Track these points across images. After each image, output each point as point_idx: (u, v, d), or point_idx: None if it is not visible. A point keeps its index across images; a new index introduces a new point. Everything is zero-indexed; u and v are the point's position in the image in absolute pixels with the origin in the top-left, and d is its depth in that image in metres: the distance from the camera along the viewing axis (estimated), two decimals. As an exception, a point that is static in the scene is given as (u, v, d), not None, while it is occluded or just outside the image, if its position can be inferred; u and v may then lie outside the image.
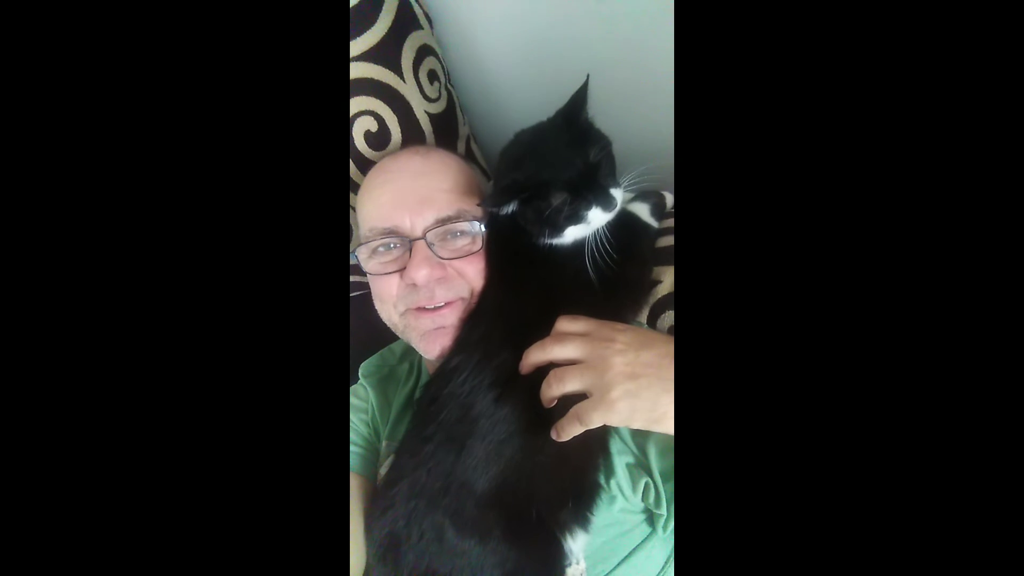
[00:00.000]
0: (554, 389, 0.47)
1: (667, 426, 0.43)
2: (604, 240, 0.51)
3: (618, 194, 0.51)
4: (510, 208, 0.52)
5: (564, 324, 0.50)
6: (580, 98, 0.52)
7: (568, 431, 0.46)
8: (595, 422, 0.45)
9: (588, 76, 0.52)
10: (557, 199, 0.49)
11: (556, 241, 0.52)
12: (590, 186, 0.50)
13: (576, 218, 0.50)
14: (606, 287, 0.52)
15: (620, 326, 0.48)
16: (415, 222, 0.55)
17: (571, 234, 0.52)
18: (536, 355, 0.49)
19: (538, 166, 0.51)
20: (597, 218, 0.50)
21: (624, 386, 0.43)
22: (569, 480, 0.52)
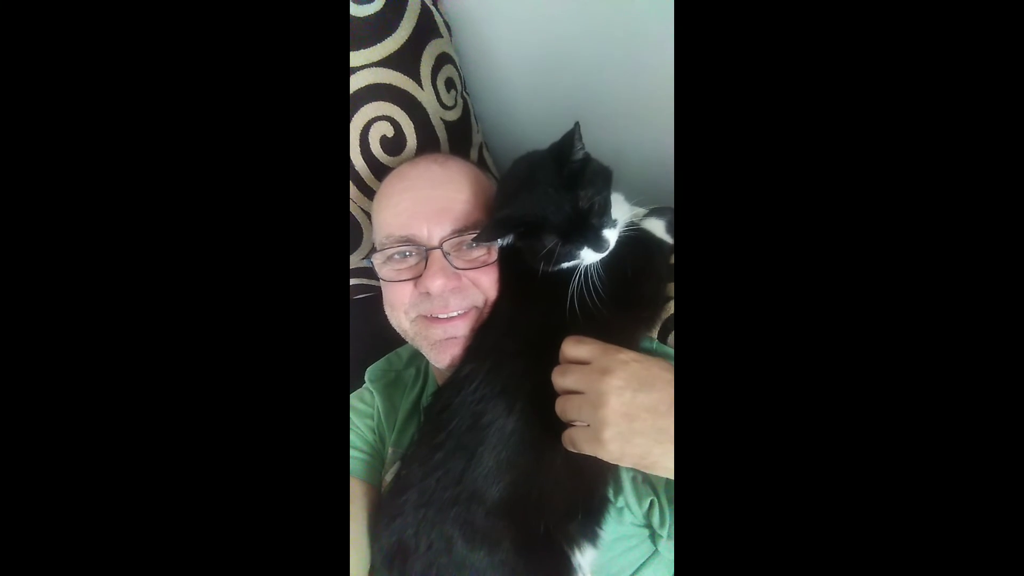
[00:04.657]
0: (561, 417, 0.47)
1: (658, 471, 0.43)
2: (596, 274, 0.51)
3: (612, 234, 0.51)
4: (507, 240, 0.53)
5: (569, 348, 0.48)
6: (568, 141, 0.51)
7: (567, 446, 0.47)
8: (586, 451, 0.45)
9: (577, 123, 0.51)
10: (549, 241, 0.50)
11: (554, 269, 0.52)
12: (580, 229, 0.49)
13: (569, 257, 0.51)
14: (620, 303, 0.52)
15: (624, 355, 0.45)
16: (432, 231, 0.55)
17: (566, 266, 0.52)
18: (553, 380, 0.49)
19: (530, 205, 0.51)
20: (590, 257, 0.51)
21: (617, 427, 0.42)
22: (579, 492, 0.52)
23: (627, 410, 0.43)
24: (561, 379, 0.47)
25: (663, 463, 0.42)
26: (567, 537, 0.51)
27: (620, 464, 0.44)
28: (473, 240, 0.55)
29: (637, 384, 0.43)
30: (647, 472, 0.44)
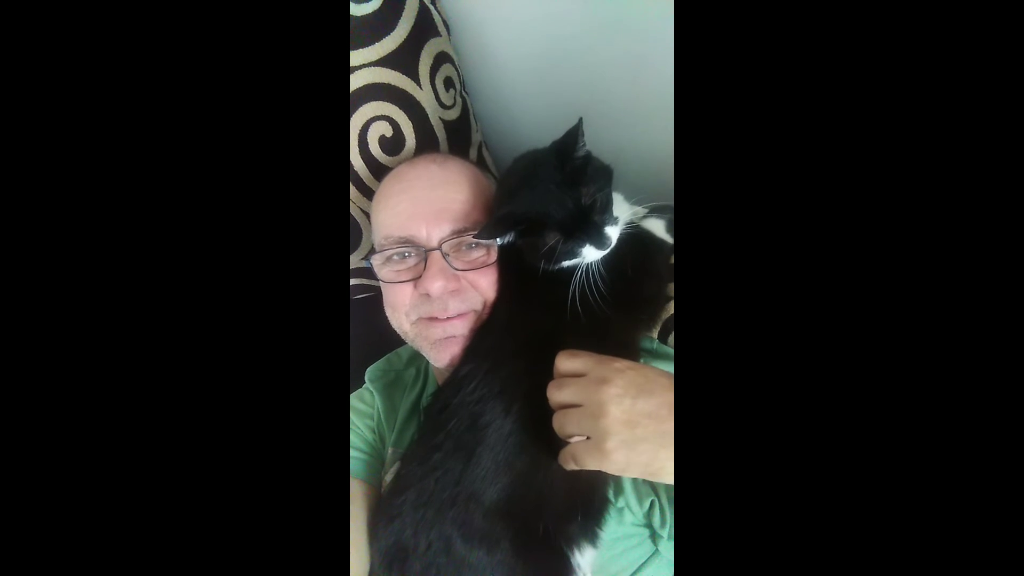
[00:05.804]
0: (560, 433, 0.46)
1: (664, 478, 0.42)
2: (596, 273, 0.50)
3: (614, 231, 0.51)
4: (507, 239, 0.53)
5: (562, 362, 0.47)
6: (571, 138, 0.51)
7: (567, 465, 0.46)
8: (590, 466, 0.44)
9: (581, 119, 0.51)
10: (551, 239, 0.50)
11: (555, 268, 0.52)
12: (583, 226, 0.49)
13: (571, 254, 0.50)
14: (620, 303, 0.52)
15: (619, 364, 0.45)
16: (431, 232, 0.55)
17: (567, 264, 0.51)
18: (549, 395, 0.48)
19: (531, 202, 0.51)
20: (591, 255, 0.51)
21: (620, 436, 0.41)
22: (578, 493, 0.52)
23: (628, 417, 0.41)
24: (557, 393, 0.46)
25: (670, 468, 0.41)
26: (566, 537, 0.51)
27: (625, 475, 0.43)
28: (475, 237, 0.55)
29: (636, 391, 0.42)
30: (653, 479, 0.43)
